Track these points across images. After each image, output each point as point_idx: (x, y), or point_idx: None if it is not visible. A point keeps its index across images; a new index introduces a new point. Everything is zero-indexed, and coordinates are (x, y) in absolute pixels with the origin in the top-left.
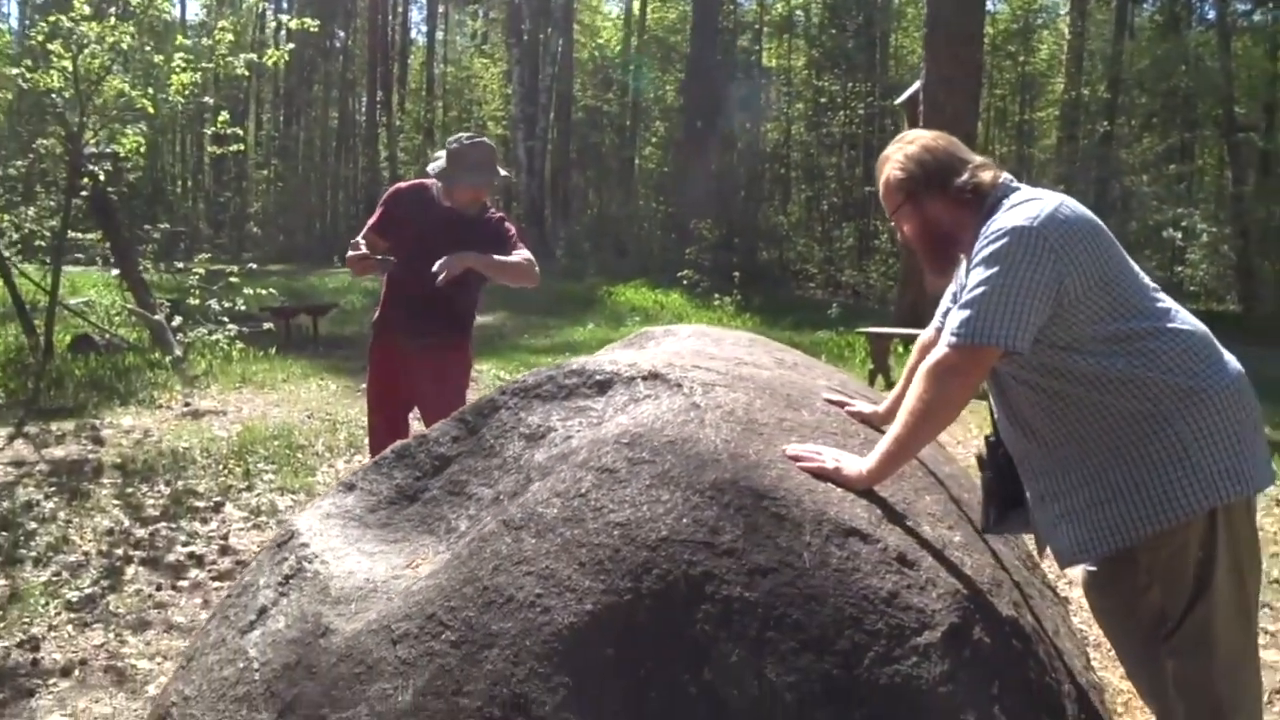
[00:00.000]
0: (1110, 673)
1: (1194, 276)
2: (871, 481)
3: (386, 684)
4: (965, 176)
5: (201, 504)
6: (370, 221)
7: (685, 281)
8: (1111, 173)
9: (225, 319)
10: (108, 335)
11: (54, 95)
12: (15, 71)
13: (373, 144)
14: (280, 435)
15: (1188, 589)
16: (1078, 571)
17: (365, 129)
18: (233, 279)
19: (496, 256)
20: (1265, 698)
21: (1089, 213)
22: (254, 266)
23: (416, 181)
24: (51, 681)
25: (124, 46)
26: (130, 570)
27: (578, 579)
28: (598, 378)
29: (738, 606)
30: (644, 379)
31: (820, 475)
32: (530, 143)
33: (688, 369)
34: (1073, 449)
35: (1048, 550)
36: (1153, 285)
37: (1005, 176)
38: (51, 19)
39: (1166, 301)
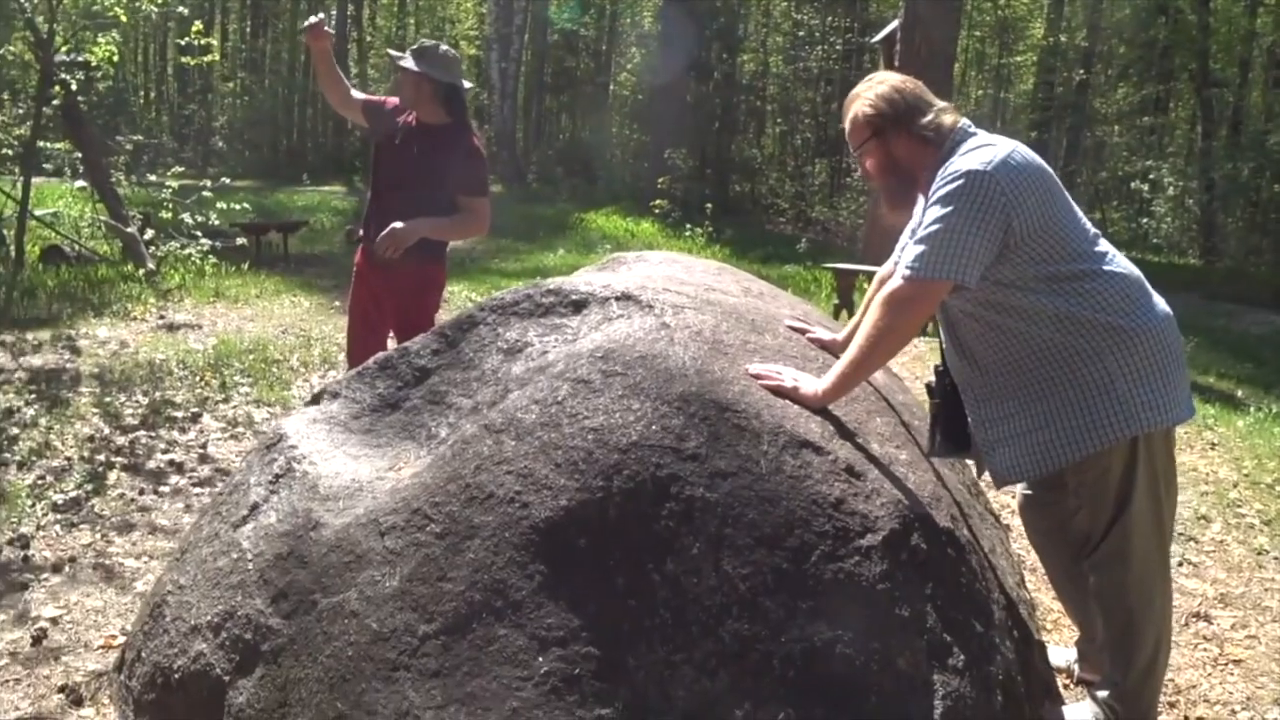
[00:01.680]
0: (1043, 594)
1: (1158, 229)
2: (826, 400)
3: (375, 571)
4: (930, 117)
5: (179, 414)
6: (367, 99)
7: (657, 211)
8: (1084, 121)
9: (198, 233)
10: (78, 247)
11: (22, 1)
12: None
13: (342, 59)
14: (255, 349)
15: (1110, 509)
16: (1018, 501)
17: (335, 44)
18: (205, 193)
19: (447, 219)
20: (1183, 620)
21: (1039, 160)
22: (226, 181)
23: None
24: (43, 577)
25: None
26: (113, 475)
27: (554, 478)
28: (573, 297)
29: (699, 505)
30: (617, 299)
31: (779, 392)
32: (504, 64)
33: (659, 292)
34: (1012, 378)
35: (986, 472)
36: (1094, 231)
37: (964, 121)
38: None
39: (1105, 246)
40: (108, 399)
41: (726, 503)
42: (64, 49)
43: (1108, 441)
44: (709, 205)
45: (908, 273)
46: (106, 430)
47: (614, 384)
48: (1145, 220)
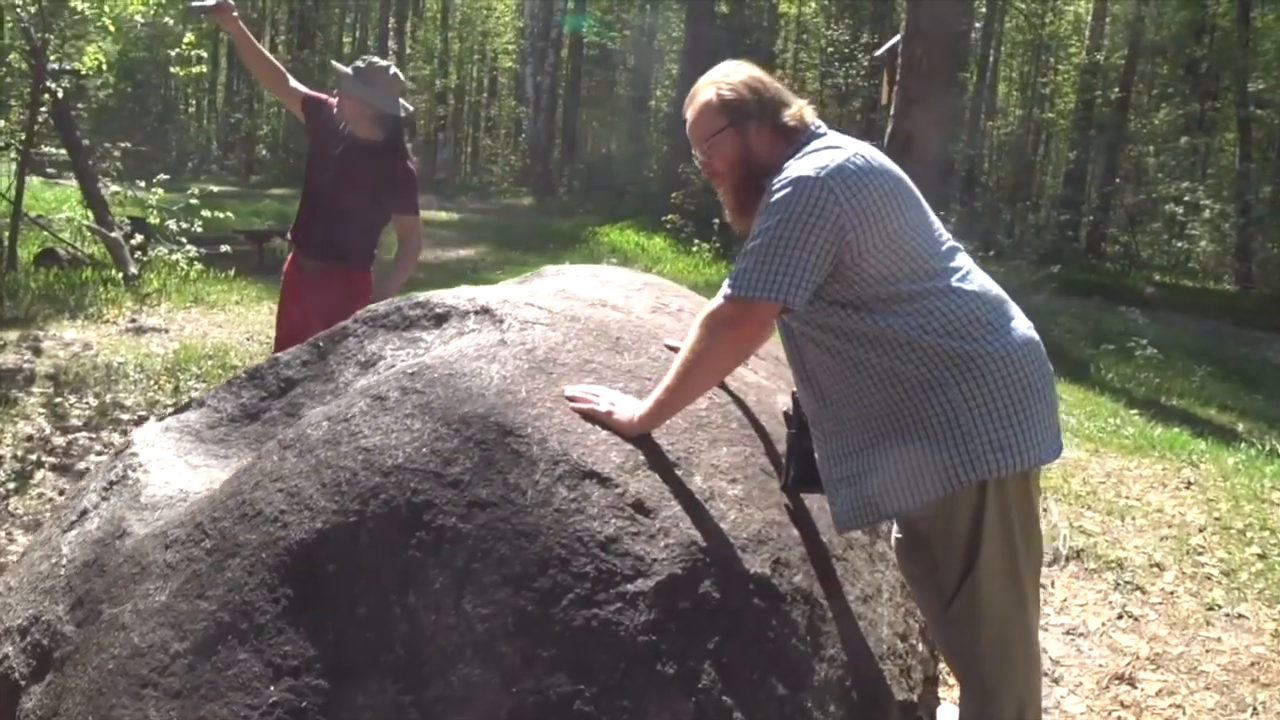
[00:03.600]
0: None
1: (1194, 253)
2: (641, 428)
3: (151, 584)
4: (793, 109)
5: (126, 417)
6: (309, 94)
7: (669, 226)
8: (1123, 140)
9: (183, 239)
10: (72, 250)
11: (19, 10)
12: None
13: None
14: (215, 355)
15: (958, 561)
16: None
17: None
18: (192, 200)
19: (405, 261)
20: (1104, 683)
21: (888, 165)
22: (213, 189)
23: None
24: None
25: None
26: (39, 475)
27: (316, 498)
28: (438, 310)
29: (450, 536)
30: (475, 314)
31: (590, 417)
32: (539, 78)
33: (518, 306)
34: (855, 411)
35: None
36: (949, 244)
37: (817, 120)
38: None
39: (960, 262)
40: (58, 400)
41: (479, 535)
42: (54, 57)
43: (950, 486)
44: (716, 221)
45: (727, 291)
46: (48, 430)
47: (406, 402)
48: (1180, 244)
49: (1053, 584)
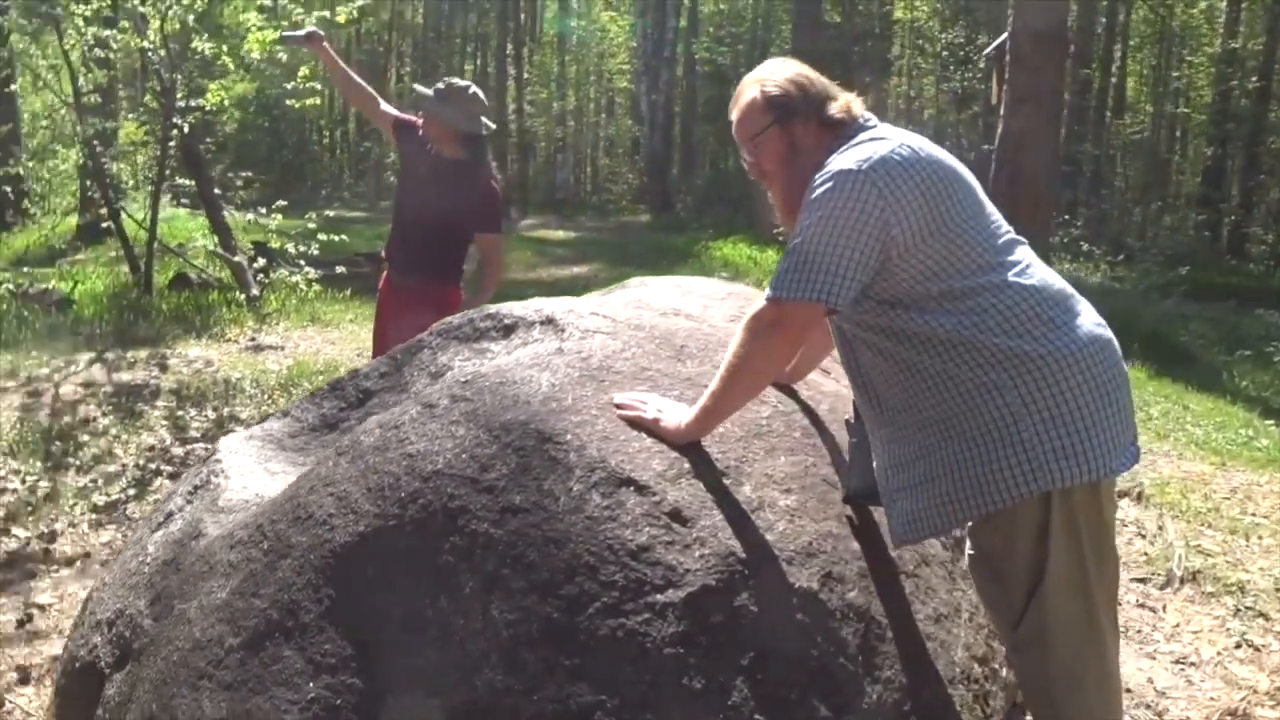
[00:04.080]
0: None
1: None
2: (688, 435)
3: (215, 581)
4: (839, 101)
5: (240, 429)
6: (399, 116)
7: (781, 239)
8: (1265, 132)
9: (301, 262)
10: (203, 274)
11: (150, 54)
12: (108, 33)
13: (501, 96)
14: (326, 370)
15: (1023, 581)
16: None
17: (496, 81)
18: (310, 225)
19: (489, 280)
20: (1216, 718)
21: (938, 154)
22: (330, 214)
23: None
24: (55, 570)
25: (198, 9)
26: (157, 482)
27: (361, 502)
28: (506, 322)
29: (482, 541)
30: (540, 324)
31: (637, 424)
32: (654, 96)
33: (582, 315)
34: (910, 418)
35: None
36: (1011, 238)
37: (867, 113)
38: None
39: (1020, 255)
40: (179, 412)
41: (510, 540)
42: (181, 96)
43: (1010, 498)
44: None
45: (769, 293)
46: (168, 440)
47: (454, 410)
48: None
49: (1164, 608)
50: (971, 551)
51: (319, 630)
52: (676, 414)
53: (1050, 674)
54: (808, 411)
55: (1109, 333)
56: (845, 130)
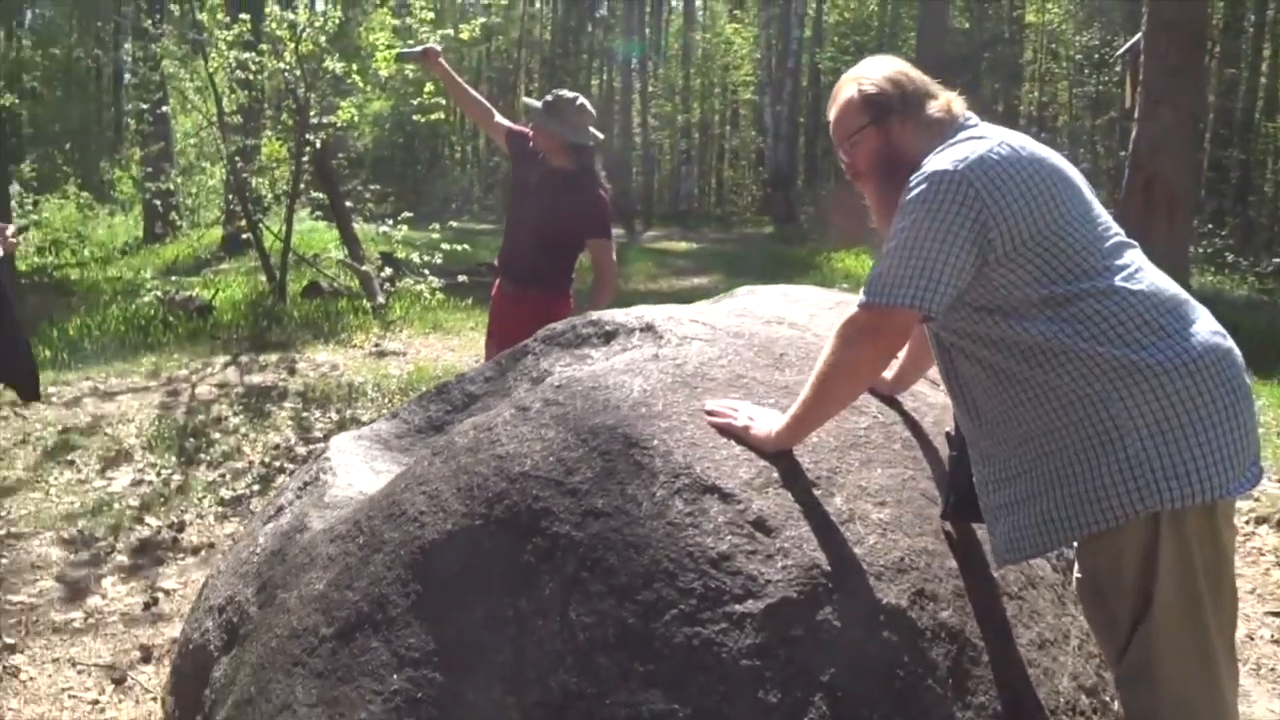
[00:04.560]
0: None
1: None
2: (779, 444)
3: (314, 574)
4: (939, 101)
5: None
6: (512, 128)
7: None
8: None
9: (425, 271)
10: (333, 283)
11: (286, 74)
12: (248, 55)
13: (626, 110)
14: (445, 376)
15: (1131, 607)
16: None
17: (621, 95)
18: (434, 235)
19: (602, 294)
20: None
21: (1041, 153)
22: (455, 225)
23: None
24: (181, 557)
25: (330, 30)
26: (280, 479)
27: (451, 501)
28: (607, 328)
29: (563, 543)
30: (640, 331)
31: (727, 431)
32: (778, 107)
33: (682, 322)
34: (1010, 431)
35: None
36: (1120, 240)
37: (968, 112)
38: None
39: (1129, 258)
40: (304, 414)
41: (590, 544)
42: (314, 114)
43: (1114, 517)
44: None
45: (862, 298)
46: (293, 440)
47: (546, 413)
48: None
49: None
50: (1079, 574)
51: (405, 624)
52: (768, 422)
53: (1159, 710)
54: (910, 423)
55: (1229, 342)
56: (945, 130)
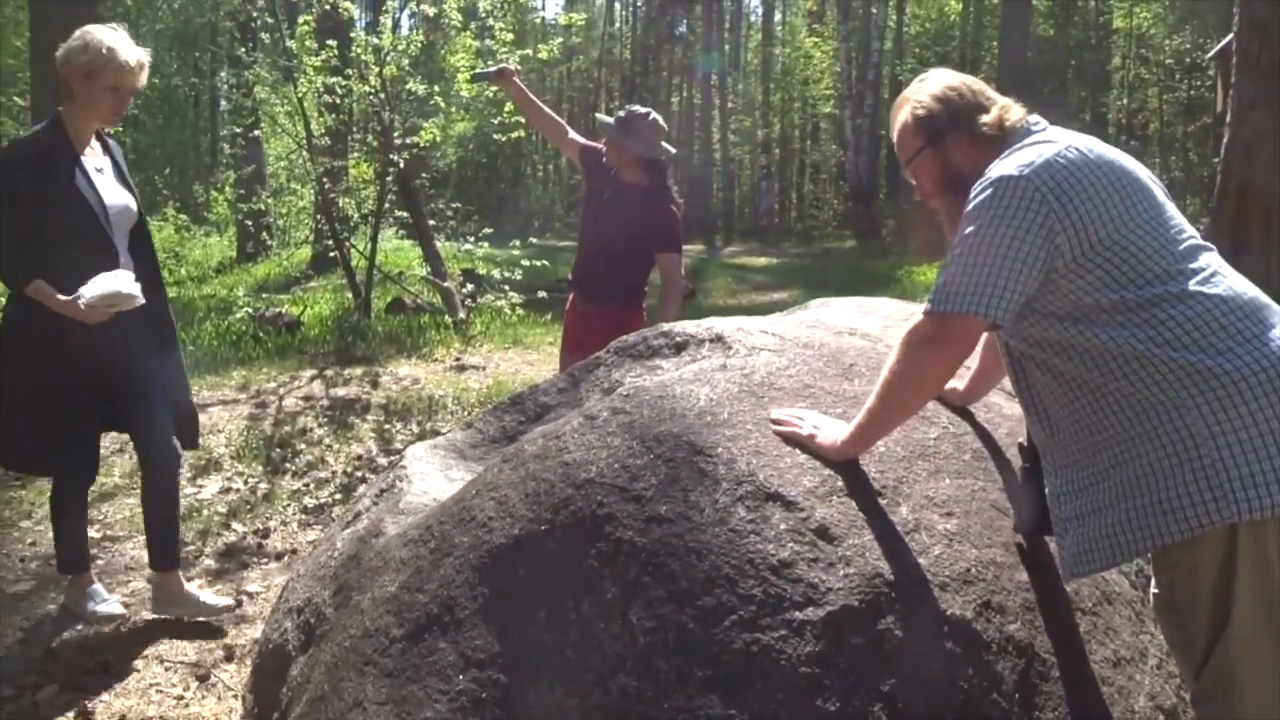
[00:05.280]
0: None
1: None
2: (844, 453)
3: (388, 576)
4: (993, 114)
5: None
6: (585, 144)
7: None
8: None
9: (505, 287)
10: (417, 299)
11: (372, 97)
12: (334, 80)
13: (706, 126)
14: (523, 388)
15: (1205, 624)
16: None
17: (701, 111)
18: (514, 252)
19: (670, 303)
20: None
21: (1110, 156)
22: (535, 242)
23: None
24: (265, 562)
25: (412, 53)
26: (361, 489)
27: (519, 506)
28: (678, 339)
29: (626, 548)
30: (710, 341)
31: (792, 440)
32: (858, 120)
33: (751, 333)
34: (1083, 441)
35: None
36: (1195, 243)
37: (1034, 118)
38: (362, 37)
39: (1204, 261)
40: (386, 426)
41: (652, 549)
42: (398, 135)
43: (1189, 529)
44: None
45: (928, 307)
46: (374, 451)
47: (613, 421)
48: None
49: None
50: (1155, 590)
51: (472, 626)
52: (833, 431)
53: None
54: (982, 434)
55: None
56: (1005, 142)
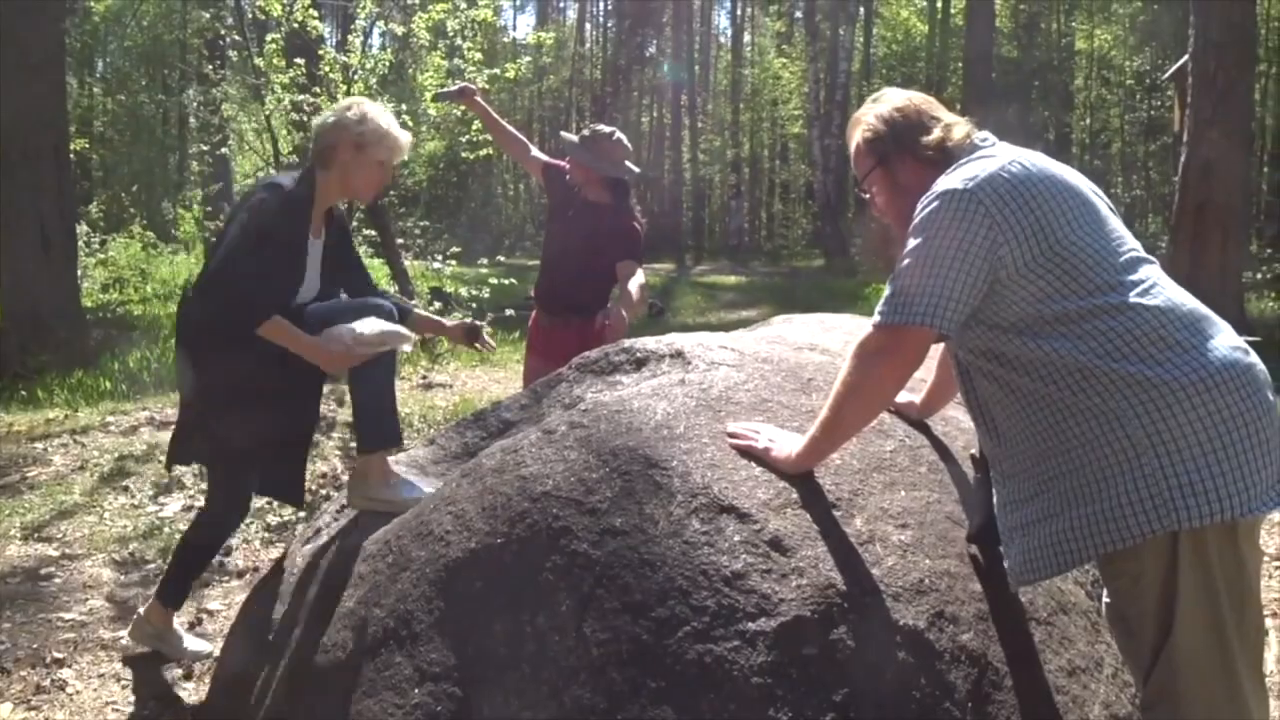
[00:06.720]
0: None
1: None
2: (798, 465)
3: (347, 591)
4: (934, 135)
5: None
6: (548, 161)
7: None
8: None
9: (473, 305)
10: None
11: None
12: (302, 97)
13: (676, 146)
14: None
15: (1151, 630)
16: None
17: (672, 131)
18: (481, 271)
19: (633, 297)
20: None
21: (1053, 170)
22: (503, 260)
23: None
24: (227, 580)
25: (381, 72)
26: (324, 505)
27: (475, 520)
28: (639, 355)
29: (580, 561)
30: (670, 357)
31: (748, 454)
32: (826, 140)
33: (711, 349)
34: (1028, 450)
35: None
36: (1136, 255)
37: (981, 135)
38: (331, 55)
39: (1144, 274)
40: (351, 444)
41: (607, 561)
42: None
43: (1130, 537)
44: None
45: (875, 318)
46: (339, 469)
47: (570, 435)
48: None
49: None
50: (1106, 599)
51: (428, 639)
52: (788, 444)
53: None
54: (938, 447)
55: (1252, 358)
56: (952, 155)
